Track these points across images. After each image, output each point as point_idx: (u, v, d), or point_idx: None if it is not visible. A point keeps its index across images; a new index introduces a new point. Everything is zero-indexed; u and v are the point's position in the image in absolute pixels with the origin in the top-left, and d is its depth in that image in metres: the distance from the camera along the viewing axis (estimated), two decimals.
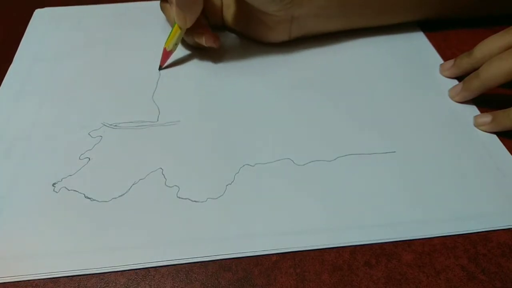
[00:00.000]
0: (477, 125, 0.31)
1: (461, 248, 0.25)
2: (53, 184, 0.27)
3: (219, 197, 0.26)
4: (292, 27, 0.36)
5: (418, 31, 0.39)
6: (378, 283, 0.23)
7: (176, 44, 0.35)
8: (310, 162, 0.28)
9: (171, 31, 0.34)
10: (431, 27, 0.40)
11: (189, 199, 0.26)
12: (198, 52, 0.37)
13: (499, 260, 0.24)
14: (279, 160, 0.28)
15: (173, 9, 0.32)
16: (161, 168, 0.28)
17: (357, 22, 0.38)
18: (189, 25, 0.33)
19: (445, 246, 0.25)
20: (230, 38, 0.38)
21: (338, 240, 0.24)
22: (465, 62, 0.34)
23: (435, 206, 0.26)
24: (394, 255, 0.24)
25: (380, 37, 0.39)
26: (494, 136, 0.31)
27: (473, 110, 0.33)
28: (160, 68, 0.36)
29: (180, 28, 0.34)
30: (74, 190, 0.26)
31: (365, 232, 0.25)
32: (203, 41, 0.34)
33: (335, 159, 0.28)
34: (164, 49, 0.35)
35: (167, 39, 0.35)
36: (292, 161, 0.28)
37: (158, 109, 0.32)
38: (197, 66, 0.36)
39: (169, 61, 0.36)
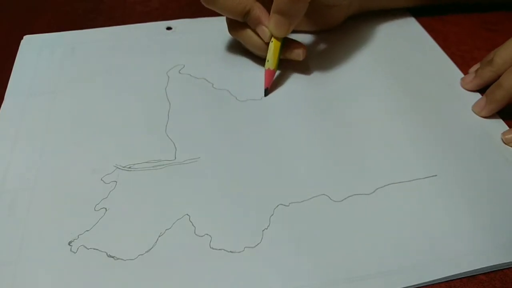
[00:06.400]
0: (507, 142, 0.30)
1: None
2: (69, 243, 0.24)
3: (257, 245, 0.24)
4: (349, 10, 0.38)
5: (431, 43, 0.38)
6: None
7: (278, 61, 0.32)
8: (348, 197, 0.26)
9: (270, 48, 0.32)
10: (430, 27, 0.40)
11: (224, 250, 0.24)
12: (206, 74, 0.34)
13: None
14: (314, 197, 0.26)
15: (270, 20, 0.31)
16: (187, 214, 0.25)
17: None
18: (288, 33, 0.31)
19: None
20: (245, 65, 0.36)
21: (393, 285, 0.22)
22: (487, 70, 0.33)
23: (485, 233, 0.25)
24: None
25: (392, 51, 0.37)
26: None
27: (500, 124, 0.31)
28: (267, 91, 0.33)
29: (278, 40, 0.31)
30: (94, 249, 0.23)
31: (420, 274, 0.23)
32: (300, 55, 0.33)
33: (374, 191, 0.27)
34: (267, 70, 0.32)
35: (267, 59, 0.32)
36: (329, 197, 0.26)
37: (174, 145, 0.29)
38: (207, 91, 0.33)
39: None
